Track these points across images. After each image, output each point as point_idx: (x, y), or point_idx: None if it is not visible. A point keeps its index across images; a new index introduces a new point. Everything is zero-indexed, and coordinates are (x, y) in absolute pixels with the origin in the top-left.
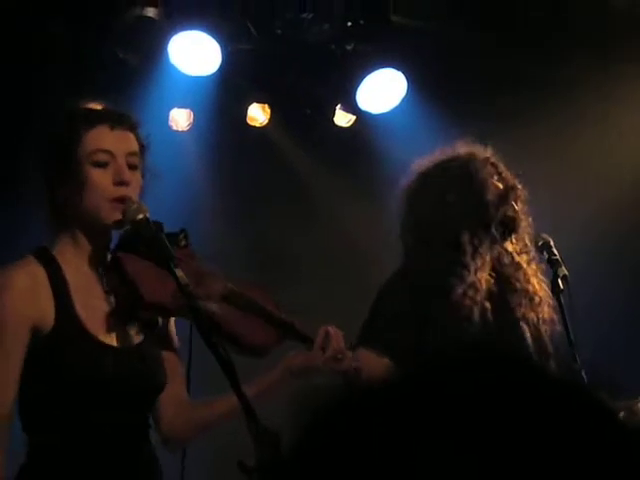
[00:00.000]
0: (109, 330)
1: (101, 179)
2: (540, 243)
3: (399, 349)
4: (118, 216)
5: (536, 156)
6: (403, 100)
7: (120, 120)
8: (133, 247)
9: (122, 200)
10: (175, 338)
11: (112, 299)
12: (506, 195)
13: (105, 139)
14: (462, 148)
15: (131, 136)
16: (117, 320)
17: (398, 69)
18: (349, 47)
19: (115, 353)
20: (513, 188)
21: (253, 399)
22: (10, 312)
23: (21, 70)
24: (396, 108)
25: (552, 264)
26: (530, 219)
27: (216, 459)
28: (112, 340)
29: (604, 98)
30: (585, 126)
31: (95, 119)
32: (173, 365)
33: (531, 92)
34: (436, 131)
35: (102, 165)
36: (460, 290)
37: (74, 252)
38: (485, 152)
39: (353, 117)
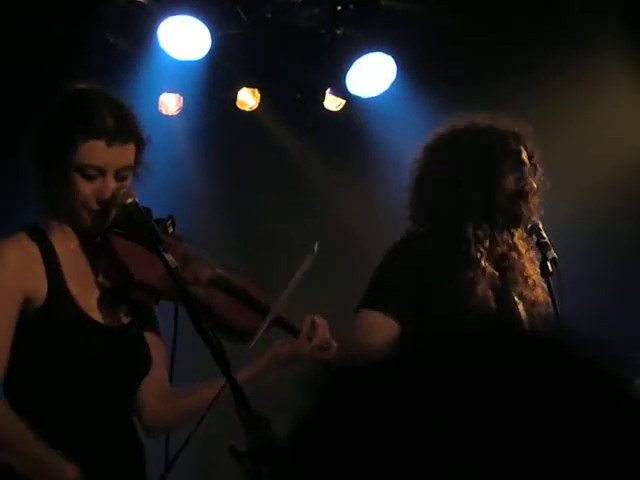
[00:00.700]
0: (99, 309)
1: (85, 190)
2: (529, 226)
3: (400, 317)
4: (93, 222)
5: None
6: (393, 84)
7: (119, 134)
8: (122, 230)
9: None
10: (159, 325)
11: (101, 279)
12: (520, 196)
13: (99, 156)
14: (499, 124)
15: (127, 149)
16: (106, 300)
17: (388, 53)
18: (339, 31)
19: (105, 331)
20: (528, 192)
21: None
22: (2, 285)
23: (9, 53)
24: (386, 92)
25: (541, 247)
26: (541, 211)
27: (203, 445)
28: (102, 318)
29: (591, 83)
30: (573, 110)
31: (94, 131)
32: (157, 352)
33: (520, 76)
34: (425, 115)
35: (90, 178)
36: (463, 268)
37: (62, 233)
38: (519, 138)
39: (343, 101)
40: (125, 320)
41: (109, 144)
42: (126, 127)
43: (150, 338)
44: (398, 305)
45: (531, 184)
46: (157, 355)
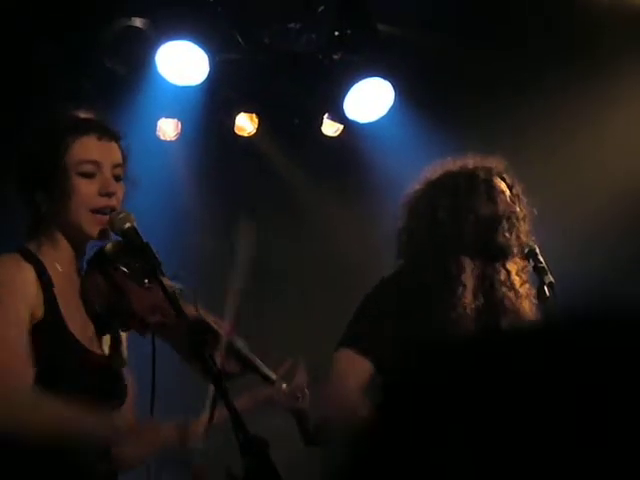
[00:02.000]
0: (86, 335)
1: (87, 189)
2: (526, 250)
3: (382, 349)
4: (98, 229)
5: (524, 163)
6: (390, 109)
7: (106, 131)
8: (109, 260)
9: (106, 210)
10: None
11: (87, 306)
12: (493, 223)
13: (92, 150)
14: (469, 162)
15: (116, 147)
16: (92, 328)
17: (385, 78)
18: (336, 57)
19: (92, 359)
20: (504, 215)
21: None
22: (15, 295)
23: (7, 79)
24: (384, 117)
25: (538, 271)
26: (533, 239)
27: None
28: (89, 345)
29: (591, 104)
30: (573, 133)
31: (82, 129)
32: (129, 386)
33: (518, 99)
34: (424, 140)
35: (89, 175)
36: (446, 306)
37: (54, 255)
38: (490, 170)
39: (341, 126)
40: (106, 349)
41: (99, 138)
42: (112, 130)
43: (124, 371)
44: (376, 344)
45: (509, 208)
46: (129, 389)
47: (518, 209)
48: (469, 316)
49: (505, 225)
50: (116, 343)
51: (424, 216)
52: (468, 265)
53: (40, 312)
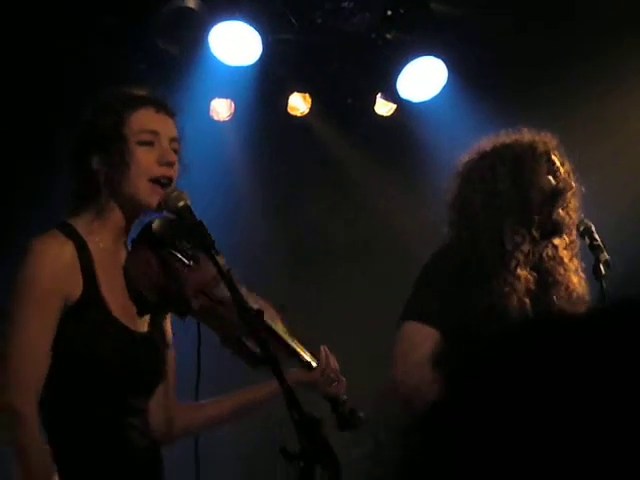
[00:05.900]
0: (127, 313)
1: (146, 157)
2: (582, 229)
3: (441, 326)
4: (157, 200)
5: (580, 143)
6: (444, 88)
7: (163, 105)
8: (156, 239)
9: (164, 180)
10: (171, 338)
11: (129, 284)
12: (553, 197)
13: (151, 120)
14: (525, 136)
15: (172, 122)
16: (133, 304)
17: (438, 57)
18: (389, 36)
19: (133, 337)
20: (564, 190)
21: (251, 404)
22: (43, 285)
23: (60, 60)
24: (437, 96)
25: (593, 249)
26: (581, 216)
27: (249, 446)
28: (130, 324)
29: None
30: (628, 114)
31: (139, 102)
32: (169, 363)
33: (573, 79)
34: (477, 119)
35: (147, 144)
36: (501, 278)
37: (98, 229)
38: (547, 144)
39: (394, 106)
40: (147, 328)
41: (157, 111)
42: (169, 105)
43: (165, 349)
44: (439, 315)
45: (566, 182)
46: (169, 368)
47: (572, 183)
48: (522, 290)
49: (562, 201)
50: (156, 322)
51: (481, 185)
52: (521, 239)
53: (78, 291)
